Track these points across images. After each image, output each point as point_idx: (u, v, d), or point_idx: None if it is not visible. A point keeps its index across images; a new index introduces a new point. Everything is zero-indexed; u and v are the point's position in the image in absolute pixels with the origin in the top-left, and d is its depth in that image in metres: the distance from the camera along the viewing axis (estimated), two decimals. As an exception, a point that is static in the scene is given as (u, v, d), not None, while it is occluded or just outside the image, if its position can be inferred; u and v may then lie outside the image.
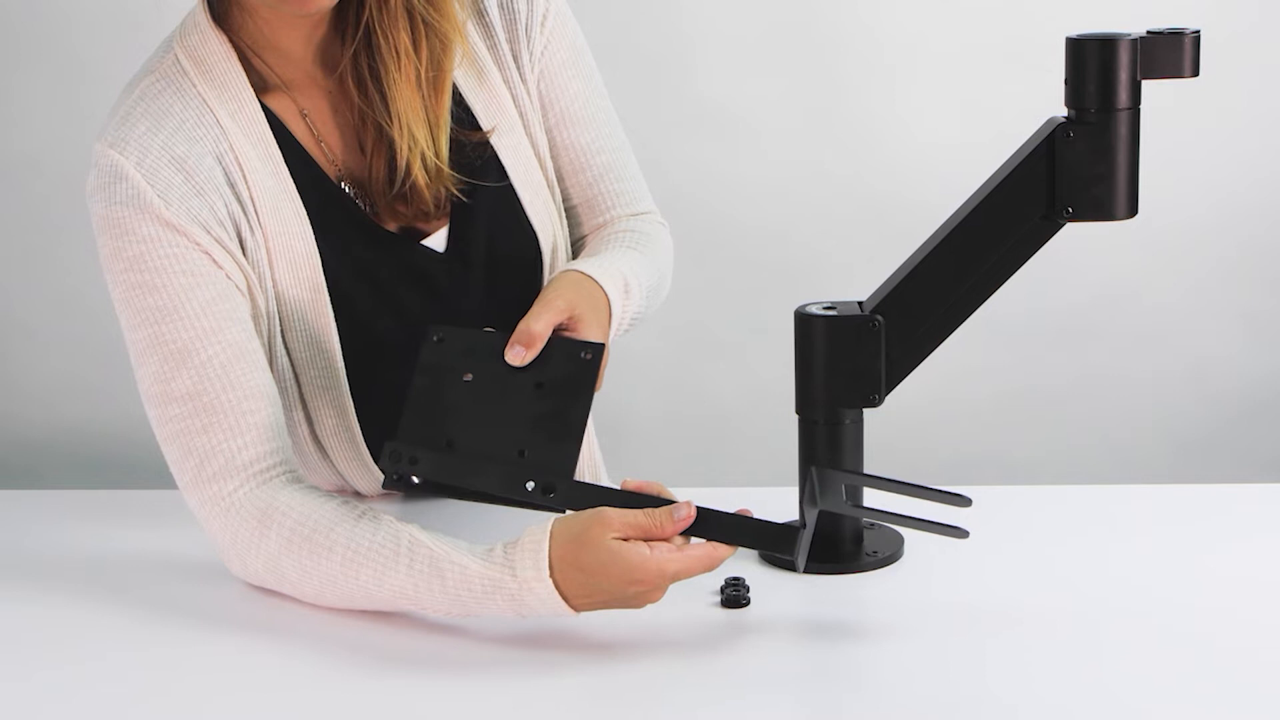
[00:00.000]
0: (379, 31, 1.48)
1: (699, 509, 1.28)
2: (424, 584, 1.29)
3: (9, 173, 3.07)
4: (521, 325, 1.36)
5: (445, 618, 1.33)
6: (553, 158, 1.61)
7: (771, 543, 1.29)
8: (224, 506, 1.38)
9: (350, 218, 1.51)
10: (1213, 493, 1.58)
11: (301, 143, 1.50)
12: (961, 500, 1.29)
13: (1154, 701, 1.17)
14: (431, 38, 1.50)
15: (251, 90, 1.47)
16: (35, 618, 1.38)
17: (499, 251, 1.56)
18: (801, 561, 1.28)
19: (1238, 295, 3.08)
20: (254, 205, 1.45)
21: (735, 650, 1.26)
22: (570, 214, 1.63)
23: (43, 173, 3.04)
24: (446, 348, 1.37)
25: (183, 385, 1.39)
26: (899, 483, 1.31)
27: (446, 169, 1.50)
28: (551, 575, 1.26)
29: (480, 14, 1.56)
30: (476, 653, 1.27)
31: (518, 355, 1.35)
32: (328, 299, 1.48)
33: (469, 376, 1.36)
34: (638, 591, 1.25)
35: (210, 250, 1.42)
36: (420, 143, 1.48)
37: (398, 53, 1.48)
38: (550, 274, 1.59)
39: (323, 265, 1.48)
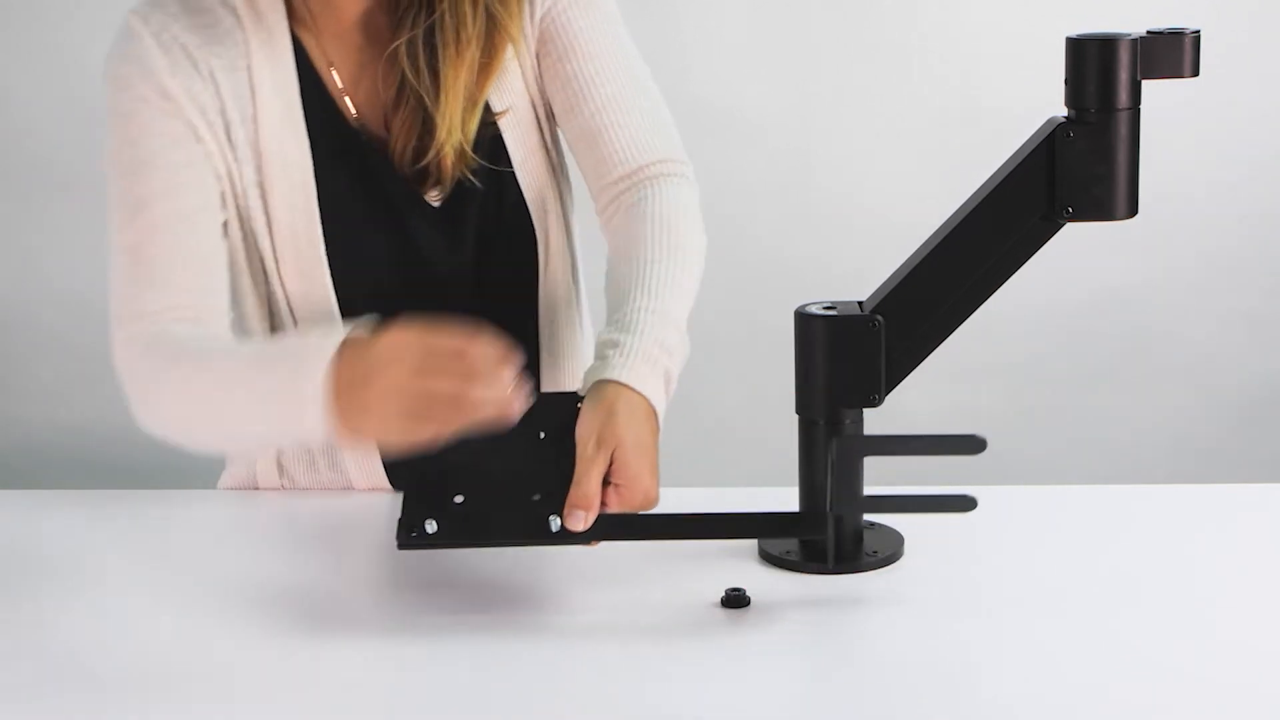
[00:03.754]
0: (448, 13, 1.49)
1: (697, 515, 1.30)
2: (245, 350, 1.38)
3: (9, 173, 3.07)
4: (574, 491, 1.29)
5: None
6: (555, 96, 1.58)
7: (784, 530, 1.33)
8: (128, 344, 1.44)
9: (358, 157, 1.54)
10: (1213, 493, 1.58)
11: (327, 85, 1.53)
12: (974, 443, 1.31)
13: (1154, 701, 1.17)
14: (493, 29, 1.51)
15: (288, 26, 1.51)
16: (35, 617, 1.38)
17: (491, 227, 1.57)
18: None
19: (1238, 295, 3.08)
20: (255, 125, 1.50)
21: (735, 650, 1.26)
22: (580, 162, 1.60)
23: (43, 173, 3.04)
24: None
25: (128, 238, 1.46)
26: (911, 439, 1.35)
27: (470, 153, 1.52)
28: (341, 350, 1.26)
29: None
30: (474, 651, 1.27)
31: (579, 520, 1.28)
32: (319, 230, 1.52)
33: (467, 435, 1.33)
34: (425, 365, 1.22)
35: (197, 125, 1.48)
36: (458, 127, 1.50)
37: (459, 37, 1.49)
38: (546, 255, 1.59)
39: (319, 196, 1.51)
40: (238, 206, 1.51)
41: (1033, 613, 1.31)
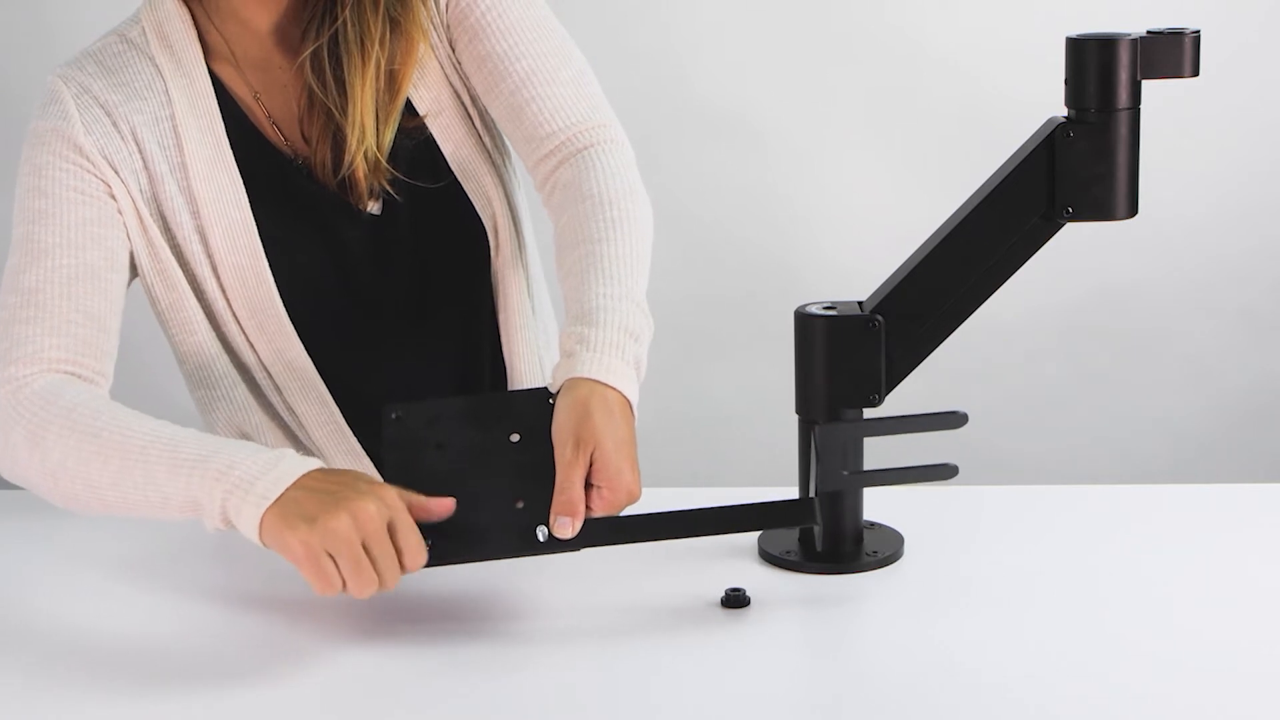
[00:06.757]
0: (350, 21, 1.49)
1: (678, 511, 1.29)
2: (165, 430, 1.31)
3: (8, 174, 3.07)
4: (558, 499, 1.27)
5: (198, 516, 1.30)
6: (475, 78, 1.57)
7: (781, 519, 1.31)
8: (14, 388, 1.41)
9: (291, 181, 1.54)
10: (1213, 493, 1.58)
11: (249, 115, 1.54)
12: (957, 418, 1.33)
13: (1154, 700, 1.17)
14: (397, 35, 1.52)
15: (205, 66, 1.53)
16: (34, 616, 1.38)
17: (434, 227, 1.57)
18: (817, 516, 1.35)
19: (1238, 295, 3.08)
20: (185, 172, 1.51)
21: (735, 650, 1.26)
22: (511, 139, 1.58)
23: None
24: (408, 423, 1.34)
25: (28, 281, 1.45)
26: (895, 419, 1.35)
27: (384, 163, 1.52)
28: (296, 485, 1.25)
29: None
30: (473, 651, 1.27)
31: (566, 528, 1.26)
32: (266, 265, 1.52)
33: (440, 445, 1.32)
34: (340, 486, 1.24)
35: (110, 182, 1.48)
36: (368, 136, 1.50)
37: (363, 44, 1.50)
38: (496, 242, 1.59)
39: (260, 233, 1.52)
40: (177, 255, 1.52)
41: (1032, 612, 1.31)
